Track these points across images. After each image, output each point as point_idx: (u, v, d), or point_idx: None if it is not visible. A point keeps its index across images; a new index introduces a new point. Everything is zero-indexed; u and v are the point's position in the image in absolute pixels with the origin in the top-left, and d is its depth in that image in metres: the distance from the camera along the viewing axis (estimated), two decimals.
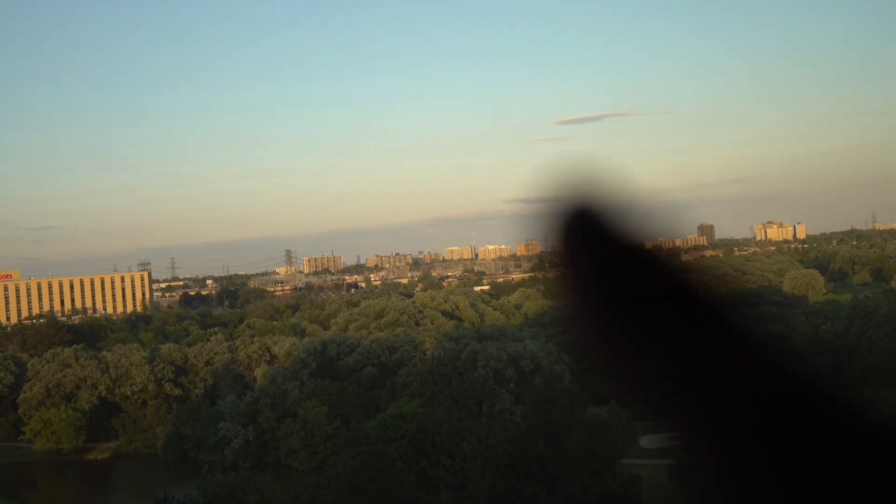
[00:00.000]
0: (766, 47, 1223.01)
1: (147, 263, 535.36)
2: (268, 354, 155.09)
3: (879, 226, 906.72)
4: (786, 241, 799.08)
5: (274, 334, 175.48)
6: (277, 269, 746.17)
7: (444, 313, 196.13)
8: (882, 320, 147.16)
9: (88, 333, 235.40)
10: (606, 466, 73.63)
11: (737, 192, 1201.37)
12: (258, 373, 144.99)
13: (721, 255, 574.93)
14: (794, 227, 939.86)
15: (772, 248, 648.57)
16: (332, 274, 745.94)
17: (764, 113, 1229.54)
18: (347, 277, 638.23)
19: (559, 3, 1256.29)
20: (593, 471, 69.14)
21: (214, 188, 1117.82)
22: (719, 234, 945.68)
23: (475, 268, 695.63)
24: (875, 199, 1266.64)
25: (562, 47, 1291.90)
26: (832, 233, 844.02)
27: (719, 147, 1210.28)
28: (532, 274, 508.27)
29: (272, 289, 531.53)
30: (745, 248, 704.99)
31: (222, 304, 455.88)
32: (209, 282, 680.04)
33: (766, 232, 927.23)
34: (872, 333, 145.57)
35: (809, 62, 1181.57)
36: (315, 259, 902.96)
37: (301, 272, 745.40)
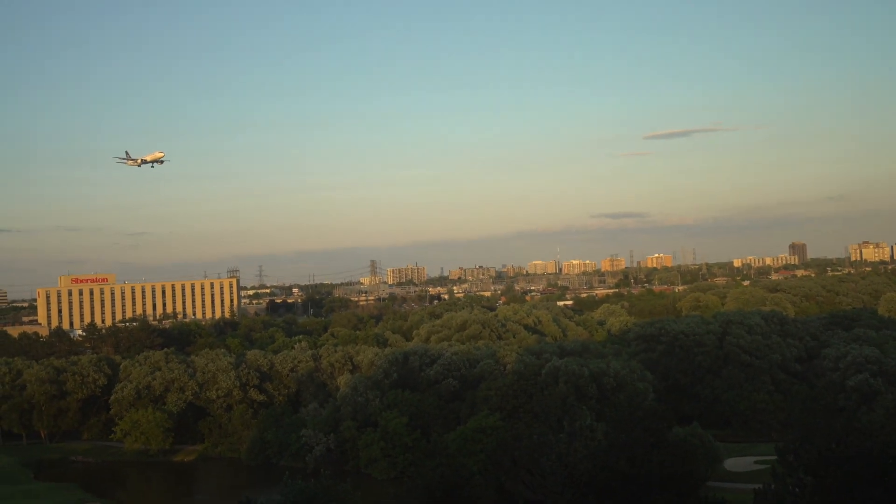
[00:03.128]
0: (863, 63, 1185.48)
1: (236, 271, 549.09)
2: (350, 363, 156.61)
3: None
4: (882, 262, 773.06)
5: (357, 344, 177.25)
6: (362, 280, 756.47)
7: (526, 327, 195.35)
8: None
9: (178, 337, 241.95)
10: (690, 489, 71.79)
11: (831, 210, 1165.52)
12: (340, 381, 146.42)
13: (813, 274, 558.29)
14: (892, 247, 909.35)
15: (867, 268, 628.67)
16: (416, 285, 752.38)
17: (860, 129, 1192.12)
18: (431, 289, 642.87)
19: (647, 18, 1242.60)
20: (677, 493, 67.47)
21: (305, 198, 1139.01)
22: (812, 254, 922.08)
23: (559, 282, 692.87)
24: None
25: (651, 62, 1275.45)
26: None
27: (813, 164, 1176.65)
28: (616, 290, 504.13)
29: (356, 298, 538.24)
30: (840, 268, 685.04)
31: (307, 312, 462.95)
32: (295, 290, 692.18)
33: (861, 252, 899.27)
34: None
35: None
36: (399, 270, 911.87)
37: (385, 283, 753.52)
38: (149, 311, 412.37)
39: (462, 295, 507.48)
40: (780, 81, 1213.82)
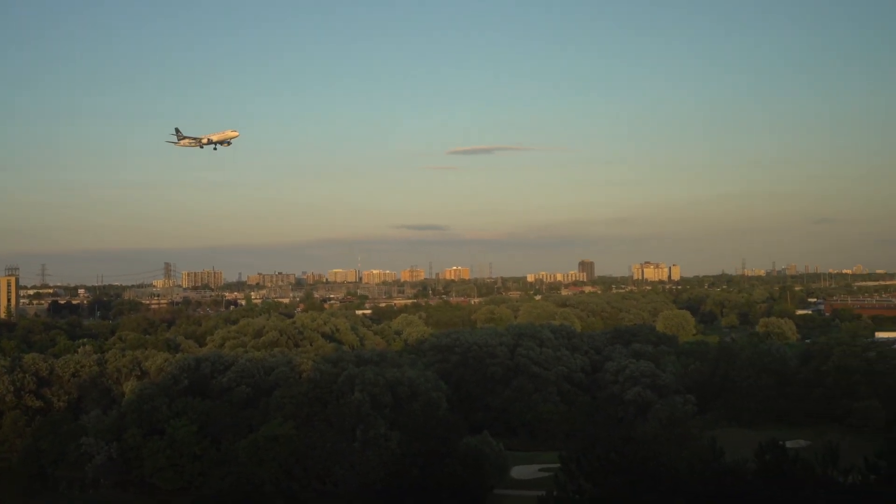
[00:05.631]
0: (655, 94, 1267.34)
1: (15, 269, 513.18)
2: (139, 369, 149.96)
3: (748, 272, 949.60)
4: (661, 282, 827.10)
5: (146, 348, 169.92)
6: (155, 282, 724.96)
7: (324, 335, 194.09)
8: (745, 363, 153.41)
9: None
10: (479, 496, 73.73)
11: (617, 231, 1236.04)
12: (127, 387, 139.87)
13: (600, 291, 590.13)
14: (670, 268, 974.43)
15: (648, 287, 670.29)
16: (212, 290, 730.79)
17: (649, 156, 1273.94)
18: (227, 294, 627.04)
19: (454, 36, 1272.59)
20: (466, 500, 69.10)
21: (92, 196, 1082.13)
22: (599, 271, 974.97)
23: (358, 291, 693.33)
24: (745, 246, 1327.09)
25: (457, 79, 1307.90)
26: (704, 276, 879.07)
27: (603, 186, 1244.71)
28: (415, 300, 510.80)
29: (148, 302, 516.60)
30: (623, 285, 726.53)
31: (94, 314, 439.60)
32: (81, 291, 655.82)
33: (643, 271, 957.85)
34: (736, 375, 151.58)
35: (693, 110, 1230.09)
36: (195, 274, 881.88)
37: (179, 286, 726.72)
38: None
39: (260, 301, 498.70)
40: (576, 106, 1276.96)
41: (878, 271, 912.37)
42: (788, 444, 68.15)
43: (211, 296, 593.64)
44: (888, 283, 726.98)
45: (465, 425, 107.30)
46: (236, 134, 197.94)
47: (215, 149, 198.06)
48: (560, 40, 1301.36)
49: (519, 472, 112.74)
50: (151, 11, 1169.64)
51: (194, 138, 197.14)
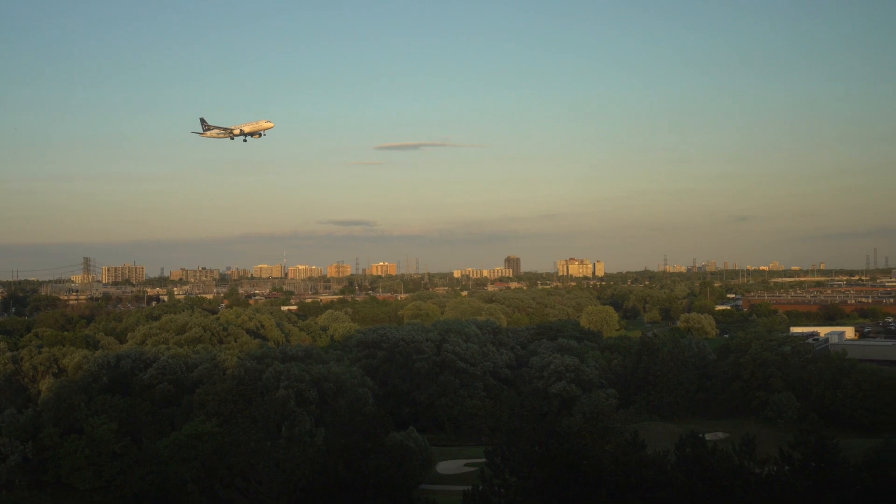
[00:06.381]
0: (582, 93, 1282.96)
1: None
2: (56, 366, 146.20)
3: (670, 268, 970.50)
4: (586, 278, 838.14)
5: (64, 345, 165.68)
6: (74, 277, 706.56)
7: (248, 331, 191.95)
8: (666, 358, 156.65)
9: None
10: (404, 492, 73.75)
11: (543, 227, 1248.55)
12: (43, 385, 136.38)
13: (525, 287, 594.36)
14: (595, 264, 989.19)
15: (573, 283, 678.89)
16: (134, 285, 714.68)
17: (575, 154, 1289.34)
18: (149, 290, 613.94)
19: (383, 32, 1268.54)
20: (391, 496, 69.06)
21: (7, 188, 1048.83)
22: (525, 267, 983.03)
23: (284, 287, 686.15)
24: (667, 243, 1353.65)
25: (386, 74, 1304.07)
26: (628, 272, 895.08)
27: (529, 184, 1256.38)
28: (341, 296, 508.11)
29: (66, 297, 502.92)
30: (549, 281, 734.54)
31: (8, 310, 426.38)
32: None
33: (568, 267, 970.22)
34: (658, 370, 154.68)
35: (618, 108, 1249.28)
36: (116, 269, 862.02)
37: (99, 281, 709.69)
38: None
39: (183, 297, 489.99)
40: (503, 103, 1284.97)
41: (794, 268, 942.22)
42: (708, 437, 69.79)
43: (132, 291, 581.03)
44: (803, 279, 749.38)
45: (391, 421, 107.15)
46: (271, 125, 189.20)
47: (245, 140, 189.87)
48: (488, 37, 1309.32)
49: (445, 466, 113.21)
50: None
51: (224, 129, 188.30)
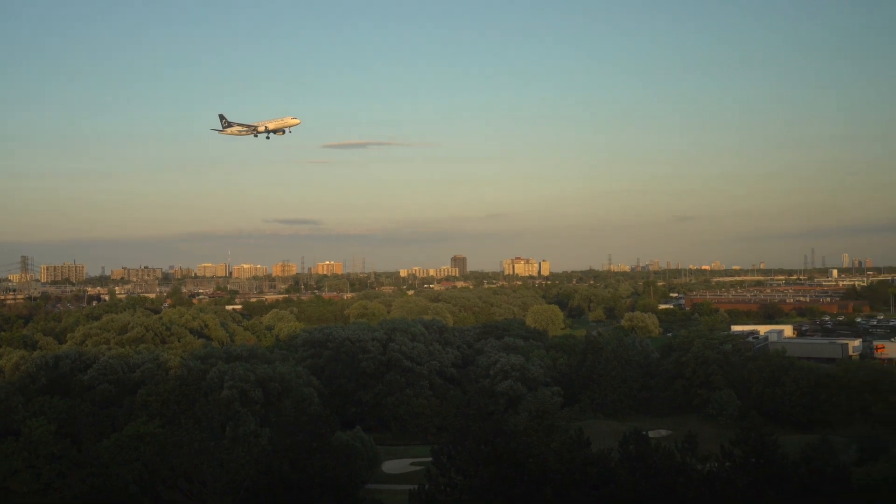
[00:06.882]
0: (526, 93, 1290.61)
1: None
2: None
3: (614, 267, 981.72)
4: (531, 277, 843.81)
5: (1, 346, 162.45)
6: (11, 276, 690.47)
7: (192, 331, 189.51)
8: (611, 357, 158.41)
9: None
10: (350, 491, 73.48)
11: (489, 227, 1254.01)
12: None
13: (472, 286, 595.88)
14: (540, 264, 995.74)
15: (519, 282, 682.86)
16: (74, 284, 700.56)
17: (520, 154, 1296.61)
18: (90, 289, 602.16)
19: (329, 31, 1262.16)
20: (337, 496, 68.75)
21: None
22: (471, 267, 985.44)
23: (228, 286, 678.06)
24: (611, 243, 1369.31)
25: (332, 73, 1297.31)
26: (573, 271, 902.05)
27: (474, 184, 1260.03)
28: (287, 295, 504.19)
29: (3, 297, 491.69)
30: (495, 281, 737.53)
31: None
32: None
33: (514, 267, 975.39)
34: (602, 368, 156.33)
35: (563, 109, 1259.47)
36: (55, 267, 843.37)
37: (38, 280, 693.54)
38: None
39: (125, 296, 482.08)
40: (449, 103, 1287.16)
41: (735, 267, 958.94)
42: (651, 434, 70.83)
43: (72, 291, 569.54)
44: (743, 278, 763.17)
45: (337, 420, 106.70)
46: (297, 121, 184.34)
47: (268, 137, 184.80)
48: (433, 38, 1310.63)
49: (391, 466, 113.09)
50: None
51: (247, 126, 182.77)
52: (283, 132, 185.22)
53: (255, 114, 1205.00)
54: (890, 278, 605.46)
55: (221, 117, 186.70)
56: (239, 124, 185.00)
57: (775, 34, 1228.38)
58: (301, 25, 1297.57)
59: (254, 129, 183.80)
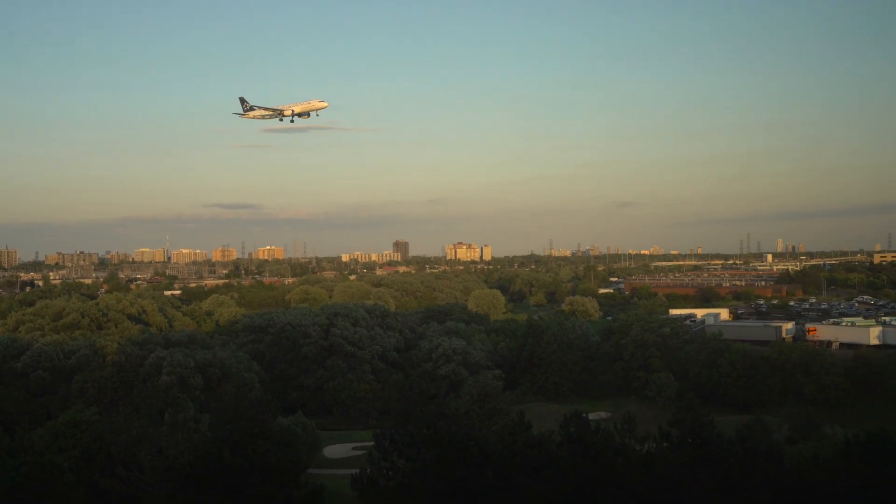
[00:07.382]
0: (466, 77, 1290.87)
1: None
2: None
3: (555, 252, 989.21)
4: (473, 262, 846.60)
5: None
6: None
7: (130, 317, 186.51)
8: (551, 340, 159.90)
9: None
10: (291, 477, 73.08)
11: (431, 212, 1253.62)
12: None
13: (414, 271, 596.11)
14: (482, 248, 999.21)
15: (461, 267, 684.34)
16: (6, 269, 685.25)
17: (461, 139, 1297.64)
18: (23, 275, 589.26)
19: (268, 14, 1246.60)
20: (278, 481, 68.31)
21: None
22: (414, 251, 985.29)
23: (167, 271, 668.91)
24: (552, 228, 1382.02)
25: (270, 56, 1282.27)
26: (514, 256, 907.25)
27: (417, 169, 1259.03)
28: (227, 280, 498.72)
29: None
30: (437, 265, 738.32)
31: None
32: None
33: (456, 251, 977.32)
34: (543, 352, 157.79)
35: (503, 92, 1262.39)
36: None
37: None
38: None
39: (59, 282, 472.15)
40: (389, 87, 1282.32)
41: (673, 252, 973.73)
42: (591, 416, 71.65)
43: (4, 276, 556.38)
44: (681, 263, 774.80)
45: (278, 406, 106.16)
46: (325, 104, 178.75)
47: (293, 121, 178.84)
48: (373, 21, 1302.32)
49: (332, 451, 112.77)
50: None
51: (272, 109, 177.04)
52: (309, 115, 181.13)
53: (192, 97, 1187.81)
54: (822, 263, 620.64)
55: (242, 101, 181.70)
56: (263, 108, 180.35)
57: (711, 21, 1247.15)
58: (240, 6, 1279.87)
59: (280, 113, 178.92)
